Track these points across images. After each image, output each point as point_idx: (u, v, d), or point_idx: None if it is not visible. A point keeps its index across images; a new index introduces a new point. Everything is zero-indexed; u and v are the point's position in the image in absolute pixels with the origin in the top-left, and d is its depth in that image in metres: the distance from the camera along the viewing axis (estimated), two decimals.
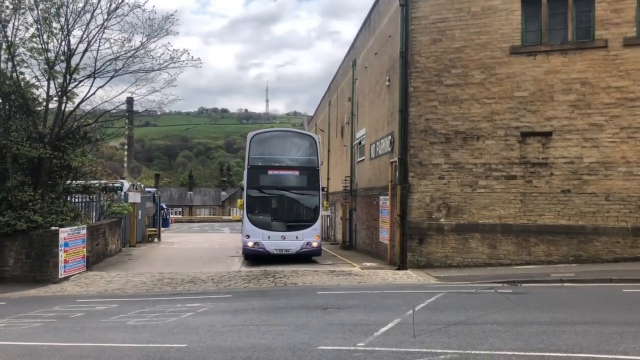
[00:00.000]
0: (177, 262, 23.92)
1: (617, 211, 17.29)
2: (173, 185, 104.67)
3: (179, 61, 21.75)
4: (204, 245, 32.62)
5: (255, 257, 21.94)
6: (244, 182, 22.48)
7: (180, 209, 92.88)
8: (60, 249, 18.76)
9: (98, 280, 18.88)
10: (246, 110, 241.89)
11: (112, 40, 21.46)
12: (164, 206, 58.09)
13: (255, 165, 22.42)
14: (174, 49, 21.75)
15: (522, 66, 18.08)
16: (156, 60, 21.76)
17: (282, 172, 22.45)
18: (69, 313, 13.00)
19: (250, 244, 21.64)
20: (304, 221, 22.23)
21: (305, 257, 21.93)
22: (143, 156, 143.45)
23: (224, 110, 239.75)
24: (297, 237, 21.59)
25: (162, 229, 49.84)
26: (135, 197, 29.76)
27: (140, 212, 32.46)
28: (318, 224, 22.27)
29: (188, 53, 21.84)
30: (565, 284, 14.38)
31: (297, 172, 22.59)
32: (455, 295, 13.21)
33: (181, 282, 17.99)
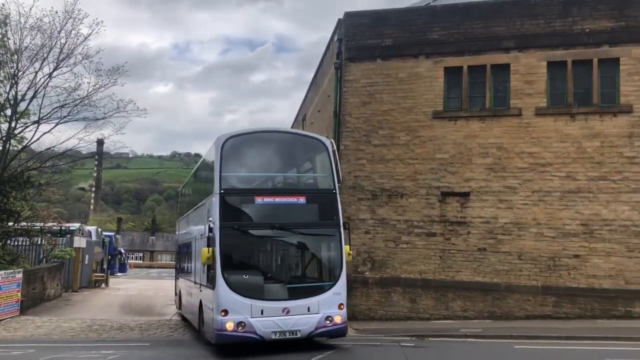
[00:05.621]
0: (113, 309, 23.99)
1: (528, 270, 18.16)
2: (137, 229, 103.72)
3: (124, 110, 22.63)
4: (148, 293, 32.49)
5: (238, 346, 12.69)
6: (213, 219, 13.05)
7: (141, 254, 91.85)
8: None
9: (28, 325, 19.03)
10: None
11: (59, 89, 22.26)
12: (122, 251, 57.76)
13: (232, 188, 13.49)
14: (119, 99, 22.67)
15: (444, 130, 19.20)
16: (100, 110, 22.58)
17: (278, 200, 13.71)
18: None
19: (229, 325, 12.29)
20: (319, 280, 13.78)
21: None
22: (112, 199, 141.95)
23: (197, 155, 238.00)
24: (309, 309, 12.88)
25: (119, 274, 49.54)
26: (80, 242, 29.92)
27: (87, 256, 32.53)
28: (342, 283, 13.51)
29: (134, 103, 22.80)
30: (469, 339, 15.04)
31: (303, 199, 13.85)
32: (358, 348, 13.82)
33: (109, 329, 18.25)
